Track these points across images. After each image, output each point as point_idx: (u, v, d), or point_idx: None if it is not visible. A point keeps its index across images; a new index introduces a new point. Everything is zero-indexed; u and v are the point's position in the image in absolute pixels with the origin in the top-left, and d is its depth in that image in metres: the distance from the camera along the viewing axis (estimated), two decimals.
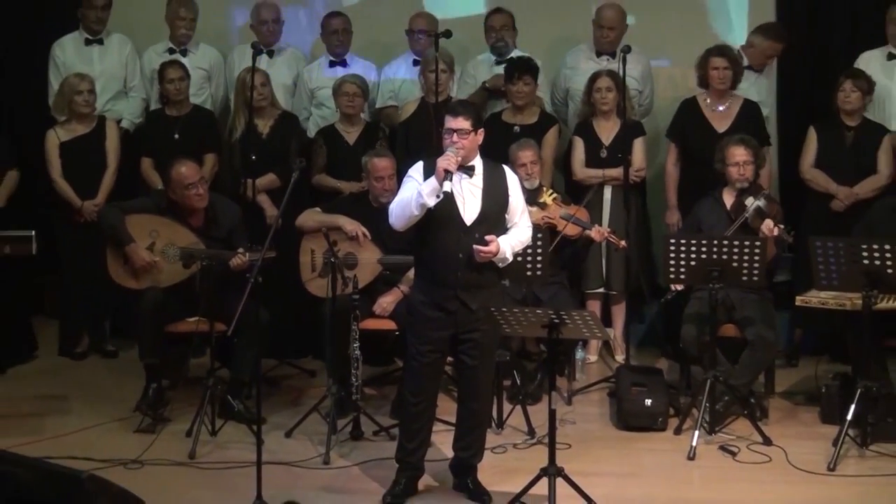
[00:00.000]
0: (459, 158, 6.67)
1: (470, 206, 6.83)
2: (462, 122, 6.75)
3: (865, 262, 7.61)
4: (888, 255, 7.59)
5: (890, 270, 7.60)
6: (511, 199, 6.95)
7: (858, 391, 7.72)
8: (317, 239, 8.23)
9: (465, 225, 6.80)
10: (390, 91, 9.91)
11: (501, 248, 6.79)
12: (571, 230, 8.61)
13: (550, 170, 9.40)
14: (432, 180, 6.64)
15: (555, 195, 8.72)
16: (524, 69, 9.35)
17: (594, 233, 8.65)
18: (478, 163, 6.86)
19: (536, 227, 8.22)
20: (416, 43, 9.74)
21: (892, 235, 7.89)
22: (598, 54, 9.77)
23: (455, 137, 6.73)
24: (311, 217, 8.47)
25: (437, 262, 6.85)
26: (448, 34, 8.99)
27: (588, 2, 9.99)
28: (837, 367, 8.76)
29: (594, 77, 9.36)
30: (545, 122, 9.45)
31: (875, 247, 7.62)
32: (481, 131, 6.87)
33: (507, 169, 7.07)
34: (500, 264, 6.94)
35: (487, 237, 6.75)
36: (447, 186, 6.64)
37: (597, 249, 9.16)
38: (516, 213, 6.98)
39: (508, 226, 6.95)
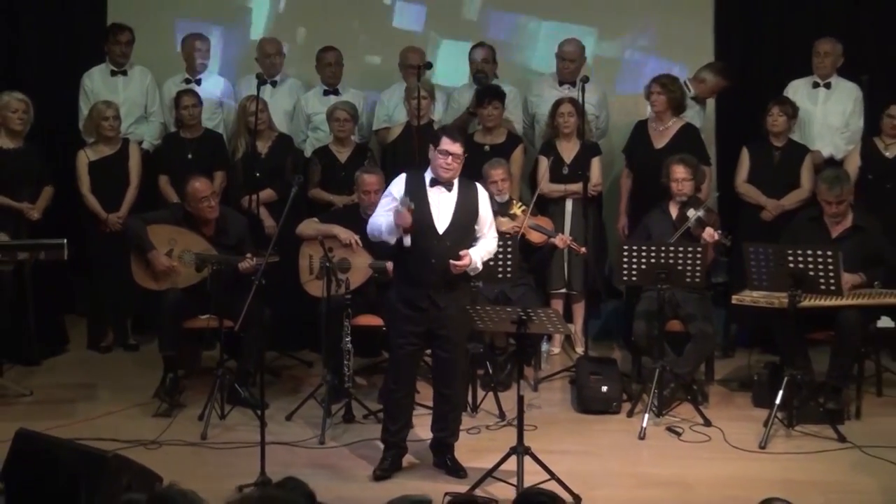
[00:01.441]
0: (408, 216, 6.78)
1: (443, 217, 6.91)
2: (459, 148, 6.86)
3: (791, 265, 7.67)
4: (810, 259, 7.66)
5: (811, 273, 7.66)
6: (481, 212, 7.03)
7: (785, 379, 7.77)
8: (314, 245, 8.25)
9: (438, 233, 6.88)
10: (385, 115, 9.87)
11: (473, 260, 6.89)
12: (538, 238, 8.66)
13: (518, 184, 9.40)
14: (393, 226, 6.79)
15: (523, 207, 8.74)
16: (493, 95, 9.36)
17: (557, 240, 8.69)
18: (455, 180, 6.94)
19: (506, 236, 8.31)
20: (407, 74, 9.71)
21: (813, 242, 7.98)
22: (561, 83, 9.74)
23: (450, 160, 6.82)
24: (309, 226, 8.50)
25: (411, 266, 6.91)
26: (430, 66, 9.05)
27: (555, 38, 9.97)
28: (767, 358, 8.78)
29: (557, 103, 9.35)
30: (512, 142, 9.45)
31: (799, 252, 7.69)
32: (465, 155, 6.96)
33: (479, 186, 7.15)
34: (472, 273, 7.03)
35: (461, 252, 6.84)
36: (439, 214, 6.85)
37: (560, 255, 9.14)
38: (485, 225, 7.06)
39: (477, 236, 7.01)
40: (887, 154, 9.15)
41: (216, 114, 9.86)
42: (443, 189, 6.89)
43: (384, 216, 6.88)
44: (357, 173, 8.59)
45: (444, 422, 7.20)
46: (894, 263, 8.24)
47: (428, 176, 6.95)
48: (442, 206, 6.90)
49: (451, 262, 6.82)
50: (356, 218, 8.38)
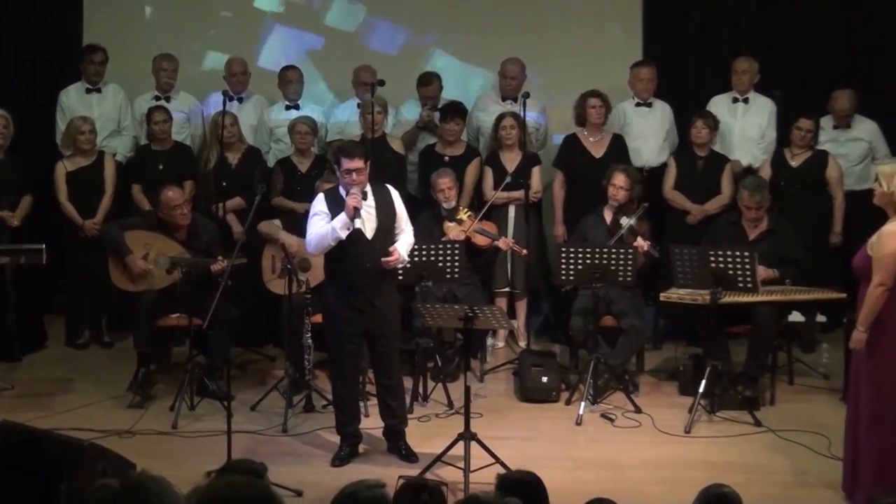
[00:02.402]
0: (360, 196, 6.80)
1: (369, 224, 6.95)
2: (359, 162, 6.83)
3: (712, 265, 7.76)
4: (729, 259, 7.76)
5: (731, 272, 7.76)
6: (397, 211, 7.09)
7: (708, 369, 7.86)
8: (276, 247, 8.28)
9: (368, 240, 6.93)
10: (338, 129, 9.87)
11: (401, 254, 6.97)
12: (483, 241, 8.70)
13: (471, 192, 9.40)
14: (343, 217, 6.77)
15: (469, 213, 8.78)
16: (455, 112, 9.42)
17: (501, 243, 8.74)
18: (367, 187, 6.96)
19: (453, 240, 8.36)
20: (361, 90, 9.69)
21: (732, 244, 8.07)
22: (503, 99, 9.76)
23: (354, 176, 6.80)
24: (268, 226, 8.53)
25: (347, 272, 6.94)
26: (382, 83, 9.07)
27: (498, 57, 9.99)
28: (692, 350, 8.86)
29: (500, 118, 9.38)
30: (470, 154, 9.50)
31: (719, 253, 7.79)
32: (369, 162, 6.94)
33: (390, 187, 7.18)
34: (401, 266, 7.12)
35: (390, 248, 6.91)
36: (357, 223, 6.83)
37: (503, 256, 9.16)
38: (402, 221, 7.11)
39: (397, 232, 7.07)
40: (793, 163, 9.24)
41: (184, 128, 9.83)
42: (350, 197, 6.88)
43: (323, 227, 6.85)
44: (317, 183, 8.58)
45: (391, 410, 7.23)
46: (803, 262, 8.36)
47: (343, 191, 6.94)
48: (365, 214, 6.91)
49: (384, 259, 6.87)
50: None
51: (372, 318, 7.01)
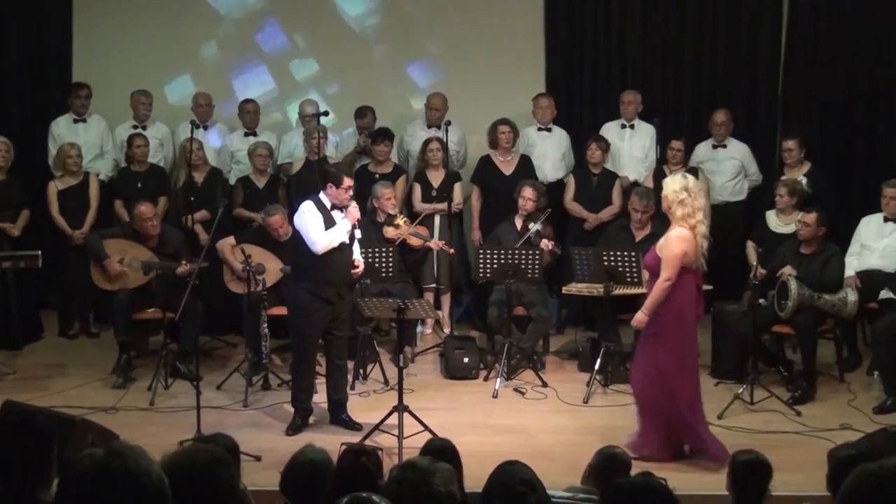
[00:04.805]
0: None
1: (356, 235, 7.10)
2: (352, 182, 7.04)
3: (605, 263, 7.82)
4: (619, 258, 7.82)
5: (620, 269, 7.82)
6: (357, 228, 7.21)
7: (602, 349, 7.96)
8: (237, 253, 8.22)
9: (344, 244, 7.01)
10: (288, 153, 9.86)
11: (362, 263, 7.18)
12: (416, 242, 8.70)
13: (401, 202, 9.40)
14: (347, 224, 6.93)
15: (405, 219, 8.79)
16: (384, 136, 9.43)
17: (432, 244, 8.74)
18: (353, 203, 7.06)
19: (390, 242, 8.38)
20: (306, 120, 9.66)
21: (622, 246, 8.14)
22: (429, 126, 9.77)
23: (351, 192, 6.98)
24: (224, 246, 8.39)
25: (327, 271, 6.96)
26: (325, 113, 9.07)
27: (424, 91, 10.03)
28: (589, 334, 8.88)
29: (427, 142, 9.40)
30: (397, 172, 9.49)
31: (611, 253, 7.87)
32: None
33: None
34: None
35: (357, 261, 7.10)
36: (358, 232, 7.03)
37: (430, 256, 9.16)
38: (357, 233, 7.20)
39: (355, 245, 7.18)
40: None
41: (159, 152, 9.76)
42: (339, 211, 6.97)
43: (331, 230, 6.89)
44: (262, 214, 8.54)
45: (338, 386, 7.24)
46: None
47: (325, 201, 6.98)
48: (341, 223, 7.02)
49: (355, 270, 7.08)
50: (268, 237, 8.38)
51: (336, 308, 7.05)
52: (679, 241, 6.39)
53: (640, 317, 6.59)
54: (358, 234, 7.20)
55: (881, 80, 9.44)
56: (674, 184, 6.47)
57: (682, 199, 6.40)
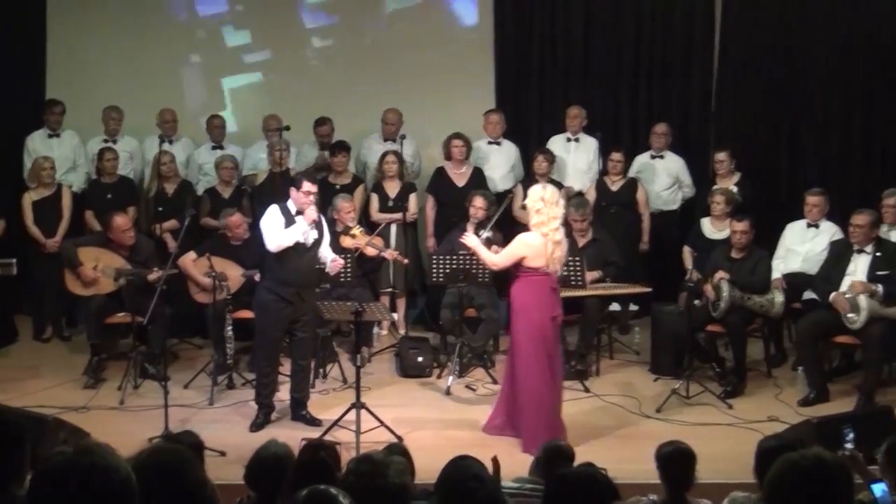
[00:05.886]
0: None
1: (312, 236, 7.04)
2: (314, 188, 7.05)
3: None
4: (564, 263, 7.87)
5: (565, 272, 7.66)
6: (326, 233, 7.22)
7: None
8: (201, 263, 8.17)
9: (307, 247, 7.00)
10: (253, 164, 9.83)
11: (340, 260, 7.20)
12: (372, 251, 8.68)
13: (359, 213, 9.32)
14: (304, 225, 6.90)
15: (361, 229, 8.73)
16: (341, 148, 9.42)
17: (387, 254, 8.68)
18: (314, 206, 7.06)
19: (347, 250, 8.35)
20: (269, 134, 9.65)
21: (566, 251, 8.12)
22: (385, 140, 9.76)
23: (311, 197, 6.95)
24: (184, 263, 8.27)
25: (287, 271, 6.96)
26: (288, 128, 9.05)
27: (380, 107, 9.99)
28: None
29: (384, 154, 9.38)
30: (356, 182, 9.47)
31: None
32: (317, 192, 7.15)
33: (322, 216, 7.29)
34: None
35: (332, 259, 7.10)
36: (314, 234, 6.97)
37: (387, 264, 9.11)
38: (327, 242, 7.22)
39: (321, 249, 7.12)
40: (612, 188, 9.36)
41: (128, 164, 9.68)
42: (303, 216, 6.97)
43: (288, 230, 6.91)
44: (222, 215, 8.52)
45: (300, 385, 7.24)
46: (620, 263, 8.51)
47: (291, 207, 6.99)
48: (311, 228, 7.02)
49: (331, 265, 7.10)
50: (228, 243, 8.34)
51: (298, 309, 7.03)
52: (521, 244, 6.75)
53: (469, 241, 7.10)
54: (327, 236, 7.21)
55: (803, 96, 9.57)
56: (534, 194, 6.78)
57: (538, 209, 6.71)
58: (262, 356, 7.22)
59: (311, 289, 7.18)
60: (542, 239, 6.68)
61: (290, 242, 6.91)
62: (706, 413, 7.39)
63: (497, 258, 6.91)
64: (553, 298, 6.80)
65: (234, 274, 8.11)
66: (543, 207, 6.70)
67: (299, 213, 6.98)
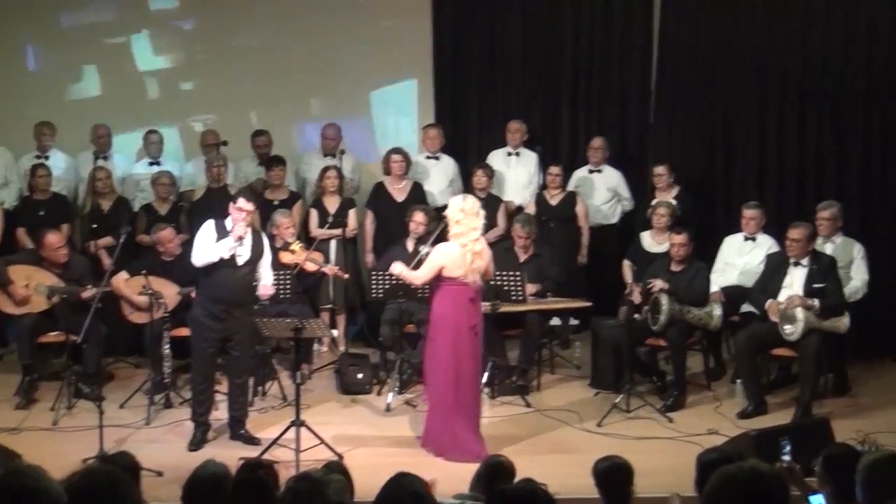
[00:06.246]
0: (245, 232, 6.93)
1: (243, 254, 6.97)
2: (250, 206, 6.97)
3: (492, 282, 7.77)
4: (505, 278, 7.91)
5: (506, 288, 7.90)
6: (265, 254, 7.17)
7: (489, 364, 7.91)
8: (135, 282, 8.07)
9: (238, 265, 6.95)
10: (190, 181, 9.74)
11: (270, 290, 7.18)
12: (312, 267, 8.63)
13: (298, 227, 9.28)
14: (231, 241, 6.85)
15: (301, 244, 8.68)
16: (277, 162, 9.40)
17: (327, 269, 8.67)
18: (250, 229, 7.05)
19: (287, 266, 8.32)
20: (208, 150, 9.60)
21: (506, 266, 8.12)
22: (325, 155, 9.72)
23: (244, 215, 6.90)
24: (117, 284, 8.11)
25: (217, 288, 6.93)
26: (226, 143, 8.99)
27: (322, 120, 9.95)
28: None
29: (324, 170, 9.35)
30: (293, 197, 9.44)
31: (498, 273, 7.82)
32: (256, 211, 7.20)
33: (263, 235, 7.33)
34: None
35: (261, 290, 7.09)
36: (241, 250, 6.93)
37: (326, 279, 9.04)
38: (266, 262, 7.19)
39: (261, 269, 7.12)
40: (552, 202, 9.40)
41: (61, 181, 9.53)
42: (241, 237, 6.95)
43: (215, 245, 6.87)
44: (153, 231, 8.44)
45: (237, 404, 7.20)
46: (560, 279, 8.54)
47: (228, 224, 6.96)
48: (240, 247, 6.96)
49: (260, 294, 7.12)
50: (158, 265, 8.22)
51: (228, 326, 6.99)
52: (439, 254, 6.90)
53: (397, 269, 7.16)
54: (268, 255, 7.19)
55: (737, 111, 9.70)
56: (454, 205, 6.93)
57: (458, 220, 6.85)
58: (195, 373, 7.19)
59: (244, 307, 7.09)
60: (460, 249, 6.79)
61: (214, 258, 6.89)
62: (647, 427, 7.44)
63: (418, 273, 7.00)
64: (471, 309, 6.90)
65: (170, 291, 8.03)
66: (463, 218, 6.84)
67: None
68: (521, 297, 8.03)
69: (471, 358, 6.94)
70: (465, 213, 6.85)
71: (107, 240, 9.03)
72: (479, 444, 6.85)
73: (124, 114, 10.14)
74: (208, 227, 6.98)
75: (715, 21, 9.67)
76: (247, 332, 7.11)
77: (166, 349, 7.75)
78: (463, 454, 6.67)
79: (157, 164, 9.66)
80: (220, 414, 7.33)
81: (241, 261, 6.97)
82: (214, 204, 8.42)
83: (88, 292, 7.80)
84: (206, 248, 6.91)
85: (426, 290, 8.05)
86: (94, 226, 8.97)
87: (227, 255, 6.88)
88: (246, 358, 7.23)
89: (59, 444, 7.05)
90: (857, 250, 8.25)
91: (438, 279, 6.90)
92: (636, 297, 7.98)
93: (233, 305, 6.99)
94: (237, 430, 7.17)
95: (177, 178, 9.58)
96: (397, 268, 7.16)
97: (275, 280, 7.92)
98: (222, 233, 6.93)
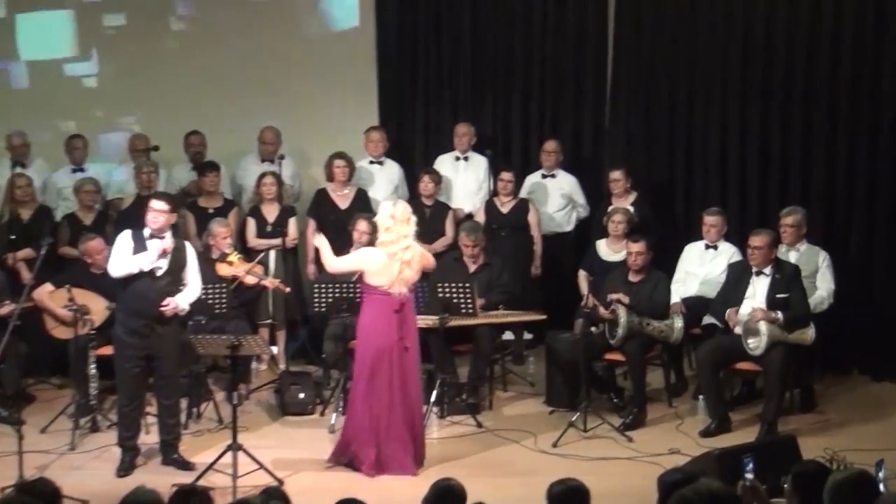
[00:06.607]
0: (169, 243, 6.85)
1: (161, 265, 6.90)
2: (164, 206, 6.92)
3: (440, 295, 7.86)
4: (454, 289, 7.88)
5: (455, 300, 7.86)
6: (188, 263, 7.06)
7: (438, 381, 7.90)
8: (60, 295, 7.93)
9: (157, 277, 6.88)
10: (119, 188, 9.64)
11: (179, 305, 6.95)
12: (251, 280, 8.52)
13: (234, 236, 9.15)
14: (153, 254, 6.80)
15: (239, 255, 8.60)
16: (211, 168, 9.33)
17: (267, 282, 8.58)
18: (168, 235, 6.93)
19: (224, 279, 8.21)
20: (137, 155, 9.51)
21: (456, 277, 8.15)
22: (263, 160, 9.66)
23: (156, 214, 6.85)
24: (41, 296, 8.03)
25: (136, 301, 6.85)
26: (157, 148, 8.88)
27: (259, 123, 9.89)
28: (425, 366, 8.44)
29: (261, 176, 9.27)
30: (228, 205, 9.36)
31: (446, 284, 7.90)
32: (175, 214, 7.00)
33: (188, 244, 7.21)
34: (181, 313, 7.07)
35: (166, 301, 6.86)
36: (162, 262, 6.83)
37: (265, 293, 9.00)
38: (192, 272, 7.09)
39: (186, 280, 7.02)
40: (503, 210, 9.35)
41: None
42: (157, 241, 6.88)
43: (134, 257, 6.82)
44: (81, 242, 8.35)
45: (168, 427, 7.11)
46: (512, 290, 8.52)
47: (147, 232, 6.90)
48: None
49: (161, 308, 6.85)
50: (88, 272, 8.13)
51: (153, 343, 6.90)
52: (358, 258, 7.12)
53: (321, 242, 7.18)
54: (194, 264, 7.11)
55: (698, 116, 9.74)
56: (384, 211, 7.01)
57: (388, 227, 6.93)
58: (121, 394, 7.10)
59: (169, 322, 6.99)
60: (385, 259, 6.82)
61: (134, 270, 6.83)
62: (605, 447, 7.42)
63: (334, 261, 7.09)
64: (398, 321, 6.88)
65: (98, 307, 7.90)
66: (393, 225, 6.90)
67: (153, 236, 6.89)
68: (471, 311, 7.98)
69: (401, 374, 6.92)
70: (395, 220, 6.89)
71: (26, 251, 8.86)
72: (408, 458, 6.90)
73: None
74: (124, 237, 6.94)
75: (672, 21, 9.71)
76: (174, 350, 7.02)
77: (92, 368, 7.63)
78: (389, 469, 6.84)
79: (81, 170, 9.53)
80: (151, 438, 7.24)
81: (159, 272, 6.90)
82: (144, 213, 8.31)
83: (6, 308, 7.67)
84: (122, 258, 6.85)
85: None
86: (13, 237, 8.86)
87: (147, 268, 6.83)
88: (175, 377, 7.13)
89: None
90: (823, 258, 8.30)
91: (361, 286, 6.95)
92: (604, 314, 7.96)
93: (154, 320, 6.90)
94: (169, 454, 7.08)
95: (103, 186, 9.46)
96: (321, 241, 7.17)
97: (210, 293, 7.87)
98: (140, 243, 6.87)
